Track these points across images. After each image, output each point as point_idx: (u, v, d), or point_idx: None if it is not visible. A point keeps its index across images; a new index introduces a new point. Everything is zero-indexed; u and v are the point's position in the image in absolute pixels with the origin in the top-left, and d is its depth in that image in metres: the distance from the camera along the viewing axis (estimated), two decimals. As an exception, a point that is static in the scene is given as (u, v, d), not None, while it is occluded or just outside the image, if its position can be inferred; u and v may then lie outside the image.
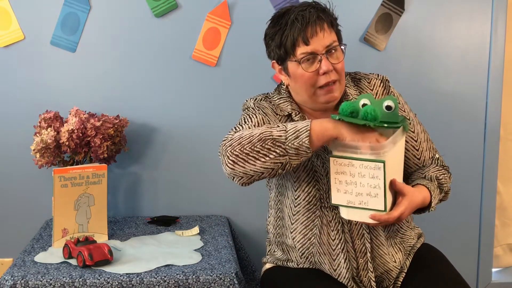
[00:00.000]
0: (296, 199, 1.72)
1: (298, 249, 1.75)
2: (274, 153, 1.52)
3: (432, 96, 2.40)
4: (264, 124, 1.68)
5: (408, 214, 1.57)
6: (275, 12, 1.73)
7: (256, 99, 1.79)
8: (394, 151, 1.50)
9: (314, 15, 1.63)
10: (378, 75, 1.80)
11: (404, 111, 1.78)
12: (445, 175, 1.74)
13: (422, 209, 1.68)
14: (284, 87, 1.77)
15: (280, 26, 1.66)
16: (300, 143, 1.51)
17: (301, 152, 1.52)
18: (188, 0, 2.28)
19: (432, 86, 2.40)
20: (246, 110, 1.76)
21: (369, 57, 2.34)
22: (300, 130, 1.51)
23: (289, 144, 1.51)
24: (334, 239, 1.69)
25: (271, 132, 1.53)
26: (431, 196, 1.65)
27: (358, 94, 1.75)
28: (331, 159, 1.52)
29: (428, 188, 1.66)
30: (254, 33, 2.29)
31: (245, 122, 1.68)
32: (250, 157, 1.54)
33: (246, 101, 1.80)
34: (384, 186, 1.47)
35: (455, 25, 2.38)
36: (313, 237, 1.72)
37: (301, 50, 1.63)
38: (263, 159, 1.53)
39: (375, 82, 1.78)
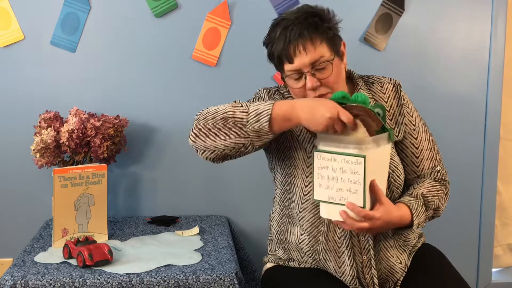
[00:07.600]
0: (305, 195, 1.71)
1: (303, 248, 1.74)
2: (234, 134, 1.56)
3: (432, 96, 2.40)
4: None
5: (381, 225, 1.54)
6: (276, 18, 1.71)
7: (270, 91, 1.78)
8: (377, 154, 1.51)
9: (296, 32, 1.59)
10: (390, 79, 1.79)
11: (412, 116, 1.78)
12: (439, 192, 1.72)
13: (405, 226, 1.65)
14: None
15: (270, 39, 1.67)
16: (260, 126, 1.53)
17: (262, 135, 1.55)
18: (188, 0, 2.28)
19: (432, 86, 2.40)
20: (255, 98, 1.78)
21: (369, 57, 2.34)
22: (262, 114, 1.53)
23: (250, 127, 1.54)
24: (340, 236, 1.69)
25: (234, 112, 1.56)
26: (412, 214, 1.63)
27: (371, 97, 1.75)
28: (315, 153, 1.54)
29: (409, 207, 1.64)
30: (254, 33, 2.29)
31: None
32: (211, 133, 1.58)
33: (259, 90, 1.80)
34: (364, 182, 1.49)
35: (455, 25, 2.38)
36: (319, 234, 1.71)
37: (287, 67, 1.63)
38: (223, 137, 1.57)
39: (387, 87, 1.77)
